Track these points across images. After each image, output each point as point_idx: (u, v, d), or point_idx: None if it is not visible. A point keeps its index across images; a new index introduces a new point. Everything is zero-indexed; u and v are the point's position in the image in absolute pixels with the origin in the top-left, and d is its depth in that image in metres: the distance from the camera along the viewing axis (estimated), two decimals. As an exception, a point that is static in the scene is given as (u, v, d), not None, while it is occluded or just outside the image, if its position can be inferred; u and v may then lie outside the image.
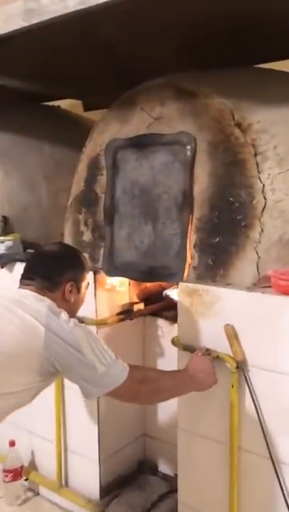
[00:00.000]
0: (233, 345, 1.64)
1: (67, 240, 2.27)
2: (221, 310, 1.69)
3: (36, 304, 1.43)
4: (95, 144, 2.13)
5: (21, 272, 1.60)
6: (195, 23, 1.83)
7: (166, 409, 2.27)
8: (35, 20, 1.67)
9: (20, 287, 1.55)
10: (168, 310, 2.32)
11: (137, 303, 2.27)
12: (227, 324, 1.66)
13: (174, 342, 1.82)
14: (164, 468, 2.38)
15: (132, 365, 1.47)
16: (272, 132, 1.69)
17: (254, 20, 1.79)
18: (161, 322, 2.27)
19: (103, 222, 2.09)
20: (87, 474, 2.22)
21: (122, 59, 2.33)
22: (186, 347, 1.76)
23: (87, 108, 3.16)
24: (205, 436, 1.79)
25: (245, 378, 1.64)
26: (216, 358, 1.67)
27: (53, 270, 1.56)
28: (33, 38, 1.84)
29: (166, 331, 2.26)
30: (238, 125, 1.70)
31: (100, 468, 2.18)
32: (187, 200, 1.82)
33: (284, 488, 1.59)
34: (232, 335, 1.65)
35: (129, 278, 2.09)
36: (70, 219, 2.25)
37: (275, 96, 1.82)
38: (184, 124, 1.82)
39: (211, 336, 1.71)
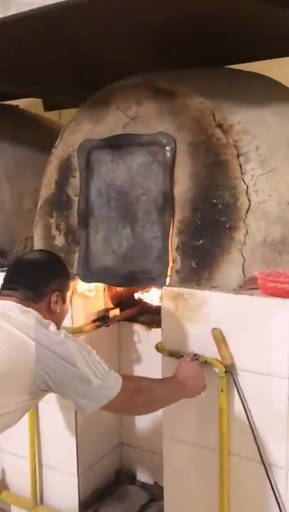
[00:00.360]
0: (221, 349, 1.62)
1: (37, 244, 2.16)
2: (207, 314, 1.66)
3: (22, 316, 1.33)
4: (66, 145, 2.04)
5: (-1, 281, 1.49)
6: (162, 22, 1.79)
7: (143, 416, 2.22)
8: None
9: (0, 298, 1.44)
10: (143, 314, 2.28)
11: (112, 308, 2.20)
12: (214, 328, 1.63)
13: (158, 348, 1.77)
14: (142, 476, 2.32)
15: (124, 375, 1.41)
16: (253, 133, 1.68)
17: (222, 22, 1.78)
18: (137, 327, 2.22)
19: (77, 226, 2.01)
20: (64, 490, 2.12)
21: (86, 57, 2.26)
22: (172, 353, 1.72)
23: (48, 108, 3.05)
24: (192, 443, 1.75)
25: (234, 382, 1.62)
26: (204, 362, 1.64)
27: (37, 280, 1.46)
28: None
29: (142, 336, 2.20)
30: (220, 126, 1.68)
31: (78, 482, 2.09)
32: (168, 202, 1.77)
33: (276, 491, 1.58)
34: (220, 339, 1.62)
35: (107, 283, 2.03)
36: (40, 223, 2.14)
37: (251, 96, 1.82)
38: (163, 125, 1.78)
39: (198, 340, 1.68)
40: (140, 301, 2.37)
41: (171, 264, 1.78)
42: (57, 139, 2.10)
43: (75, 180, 2.02)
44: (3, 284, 1.48)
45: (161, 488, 2.23)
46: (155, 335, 2.14)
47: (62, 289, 1.52)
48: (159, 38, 1.96)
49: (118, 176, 1.90)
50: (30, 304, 1.41)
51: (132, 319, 2.24)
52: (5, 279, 1.49)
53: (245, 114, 1.71)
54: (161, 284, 1.81)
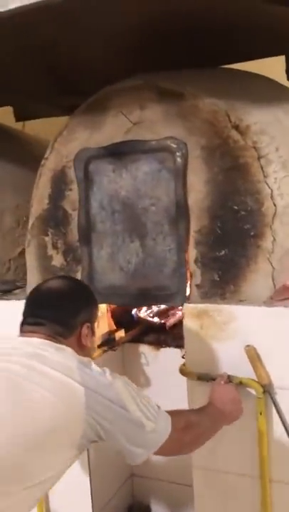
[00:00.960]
0: (257, 368, 1.49)
1: (32, 266, 1.97)
2: (237, 330, 1.52)
3: (58, 356, 1.14)
4: (60, 156, 1.86)
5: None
6: (143, 24, 1.67)
7: None
8: None
9: (23, 335, 1.24)
10: (148, 334, 2.13)
11: (116, 330, 2.03)
12: (248, 345, 1.50)
13: (183, 371, 1.62)
14: (157, 508, 2.15)
15: (170, 411, 1.25)
16: (270, 134, 1.58)
17: (207, 22, 1.69)
18: (143, 348, 2.06)
19: (78, 243, 1.83)
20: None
21: (65, 62, 2.11)
22: (201, 376, 1.57)
23: (20, 118, 2.84)
24: (227, 471, 1.61)
25: (273, 402, 1.49)
26: (239, 384, 1.50)
27: (65, 312, 1.27)
28: None
29: (150, 357, 2.05)
30: (236, 127, 1.57)
31: (95, 524, 1.89)
32: (181, 211, 1.64)
33: None
34: (255, 357, 1.49)
35: (116, 304, 1.86)
36: (32, 242, 1.95)
37: (260, 96, 1.72)
38: (171, 129, 1.65)
39: (228, 360, 1.54)
40: (142, 319, 2.22)
41: (189, 278, 1.64)
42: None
43: (72, 194, 1.84)
44: (24, 319, 1.28)
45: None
46: (164, 355, 2.01)
47: (92, 320, 1.34)
48: (141, 40, 1.85)
49: (122, 186, 1.75)
50: (60, 340, 1.22)
51: (137, 340, 2.08)
52: (26, 313, 1.29)
53: (259, 114, 1.61)
54: (179, 301, 1.66)
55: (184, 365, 1.64)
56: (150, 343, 2.05)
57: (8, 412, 1.02)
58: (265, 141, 1.56)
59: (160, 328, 2.13)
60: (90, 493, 1.87)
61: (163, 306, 2.29)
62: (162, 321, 2.18)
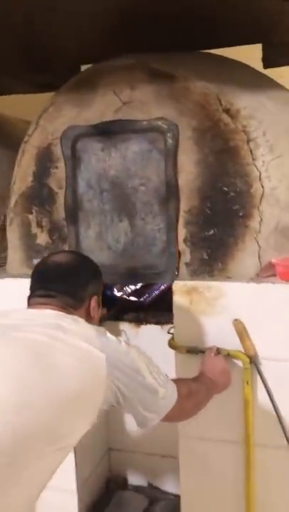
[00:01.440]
0: (244, 340, 1.58)
1: (14, 244, 1.94)
2: (225, 305, 1.61)
3: (76, 325, 1.17)
4: (45, 133, 1.84)
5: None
6: (124, 4, 1.68)
7: (129, 418, 2.11)
8: None
9: (33, 307, 1.25)
10: (127, 312, 2.17)
11: (98, 308, 2.06)
12: (235, 319, 1.59)
13: (172, 345, 1.68)
14: (134, 480, 2.23)
15: (173, 379, 1.31)
16: (258, 118, 1.65)
17: (187, 7, 1.72)
18: (124, 326, 2.10)
19: (64, 222, 1.83)
20: (61, 509, 1.95)
21: (41, 39, 2.07)
22: (190, 349, 1.64)
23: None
24: (212, 439, 1.70)
25: (259, 373, 1.59)
26: (226, 355, 1.59)
27: (75, 285, 1.30)
28: None
29: (131, 334, 2.09)
30: (226, 111, 1.62)
31: (78, 498, 1.94)
32: (172, 191, 1.68)
33: (304, 475, 1.60)
34: (242, 330, 1.58)
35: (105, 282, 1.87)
36: (15, 220, 1.92)
37: (245, 81, 1.78)
38: (162, 110, 1.68)
39: (216, 334, 1.62)
40: (120, 298, 2.26)
41: (179, 257, 1.69)
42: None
43: (58, 172, 1.83)
44: (34, 291, 1.29)
45: (156, 488, 2.19)
46: (145, 332, 2.06)
47: (99, 293, 1.38)
48: (119, 22, 1.85)
49: (111, 165, 1.76)
50: (71, 312, 1.25)
51: (117, 318, 2.12)
52: (36, 286, 1.30)
53: (247, 99, 1.68)
54: (168, 279, 1.72)
55: (172, 339, 1.70)
56: (130, 321, 2.09)
57: (38, 379, 1.04)
58: (253, 125, 1.63)
59: (139, 307, 2.18)
60: (74, 467, 1.91)
61: (139, 286, 2.35)
62: (140, 300, 2.24)
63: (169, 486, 2.14)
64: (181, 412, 1.31)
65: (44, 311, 1.22)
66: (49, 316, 1.20)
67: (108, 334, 1.21)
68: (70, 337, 1.12)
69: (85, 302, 1.31)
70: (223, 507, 1.73)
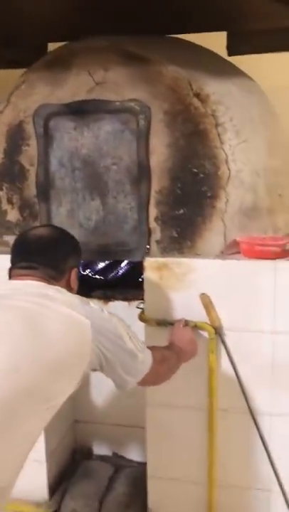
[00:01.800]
0: (210, 312, 1.69)
1: (-16, 221, 1.95)
2: (193, 281, 1.71)
3: (62, 294, 1.23)
4: (17, 110, 1.85)
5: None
6: None
7: (94, 391, 2.22)
8: None
9: (16, 278, 1.30)
10: (94, 290, 2.23)
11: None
12: (202, 293, 1.69)
13: (142, 319, 1.77)
14: (98, 450, 2.32)
15: (148, 346, 1.40)
16: (226, 104, 1.74)
17: None
18: (92, 303, 2.16)
19: (36, 199, 1.86)
20: (31, 478, 2.01)
21: (7, 14, 2.05)
22: (160, 321, 1.73)
23: None
24: (178, 405, 1.81)
25: (223, 342, 1.71)
26: (194, 327, 1.70)
27: (56, 257, 1.36)
28: None
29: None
30: (197, 95, 1.70)
31: (47, 467, 2.01)
32: (143, 171, 1.75)
33: (262, 435, 1.74)
34: (208, 303, 1.69)
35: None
36: (-15, 197, 1.92)
37: (215, 68, 1.87)
38: (135, 92, 1.73)
39: (184, 307, 1.72)
40: (86, 276, 2.32)
41: (149, 235, 1.77)
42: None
43: (30, 149, 1.85)
44: (16, 263, 1.33)
45: (121, 457, 2.29)
46: (113, 308, 2.13)
47: (78, 266, 1.44)
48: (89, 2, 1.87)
49: (83, 144, 1.80)
50: (52, 283, 1.30)
51: (86, 295, 2.16)
52: (17, 258, 1.34)
53: (216, 86, 1.76)
54: (139, 256, 1.79)
55: (142, 313, 1.79)
56: (98, 298, 2.15)
57: (29, 344, 1.11)
58: (221, 110, 1.72)
59: (105, 284, 2.24)
60: (44, 439, 1.97)
61: (104, 265, 2.41)
62: (107, 278, 2.31)
63: (133, 455, 2.25)
64: (155, 376, 1.40)
65: (27, 282, 1.27)
66: (34, 286, 1.25)
67: (91, 303, 1.29)
68: (57, 305, 1.18)
69: (65, 274, 1.37)
70: (187, 471, 1.85)
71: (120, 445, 2.29)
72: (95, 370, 1.26)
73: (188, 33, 2.24)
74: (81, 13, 1.91)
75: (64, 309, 1.18)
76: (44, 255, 1.34)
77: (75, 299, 1.26)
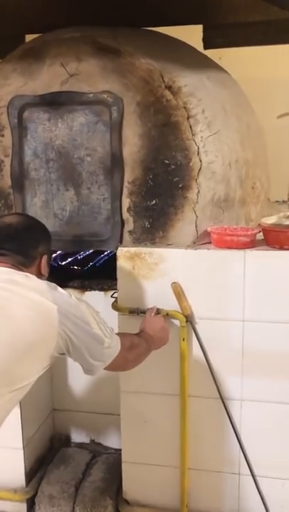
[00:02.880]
0: (182, 301, 1.73)
1: None
2: (165, 270, 1.74)
3: (30, 280, 1.26)
4: (-9, 100, 1.86)
5: None
6: None
7: (73, 380, 2.25)
8: None
9: None
10: (71, 280, 2.25)
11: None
12: (174, 282, 1.73)
13: (115, 307, 1.80)
14: (76, 437, 2.36)
15: (117, 333, 1.44)
16: (198, 96, 1.77)
17: None
18: (69, 292, 2.18)
19: (11, 190, 1.88)
20: (9, 465, 2.05)
21: None
22: (132, 310, 1.77)
23: None
24: (151, 392, 1.85)
25: (194, 330, 1.75)
26: (165, 315, 1.73)
27: (26, 243, 1.38)
28: None
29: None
30: (169, 87, 1.73)
31: (24, 454, 2.04)
32: (116, 162, 1.77)
33: (232, 421, 1.79)
34: (179, 292, 1.73)
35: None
36: None
37: (186, 60, 1.89)
38: (108, 84, 1.75)
39: (157, 296, 1.76)
40: (64, 267, 2.34)
41: (122, 225, 1.80)
42: None
43: (5, 140, 1.87)
44: None
45: (99, 444, 2.33)
46: (89, 298, 2.16)
47: (48, 253, 1.47)
48: None
49: (57, 135, 1.82)
50: (22, 269, 1.33)
51: (63, 285, 2.19)
52: None
53: (188, 78, 1.79)
54: (112, 246, 1.82)
55: (116, 302, 1.82)
56: (75, 288, 2.18)
57: None
58: (193, 102, 1.75)
59: (83, 274, 2.27)
60: (20, 426, 2.00)
61: (83, 255, 2.44)
62: (84, 268, 2.34)
63: (110, 442, 2.29)
64: (124, 361, 1.44)
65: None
66: (2, 272, 1.28)
67: (59, 288, 1.32)
68: (24, 290, 1.21)
69: (36, 261, 1.40)
70: (161, 455, 1.90)
71: (98, 432, 2.33)
72: (62, 354, 1.29)
73: (165, 26, 2.26)
74: (57, 4, 1.93)
75: (31, 294, 1.21)
76: (13, 242, 1.36)
77: (43, 284, 1.29)
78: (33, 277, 1.31)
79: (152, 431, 1.89)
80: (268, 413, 1.76)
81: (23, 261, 1.36)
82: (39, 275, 1.39)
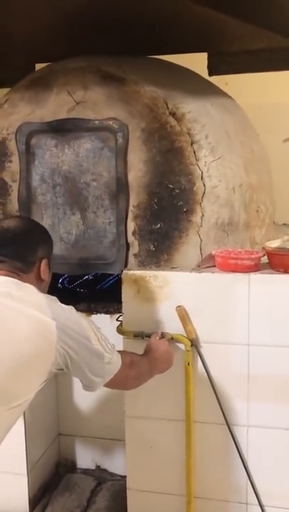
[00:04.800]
0: (186, 325, 1.72)
1: None
2: (169, 293, 1.74)
3: (26, 293, 1.25)
4: (0, 127, 1.91)
5: None
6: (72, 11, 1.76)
7: (79, 404, 2.23)
8: None
9: None
10: (79, 303, 2.26)
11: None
12: (179, 306, 1.72)
13: (120, 331, 1.80)
14: (82, 463, 2.33)
15: (119, 350, 1.44)
16: (201, 122, 1.80)
17: (139, 16, 1.83)
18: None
19: (18, 213, 1.91)
20: (11, 491, 2.03)
21: None
22: (137, 334, 1.76)
23: None
24: (156, 417, 1.83)
25: (199, 354, 1.74)
26: (170, 339, 1.73)
27: (24, 248, 1.36)
28: None
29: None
30: (173, 114, 1.76)
31: (28, 480, 2.02)
32: (122, 187, 1.80)
33: (239, 447, 1.76)
34: (184, 315, 1.72)
35: (57, 272, 1.96)
36: None
37: (191, 87, 1.93)
38: (113, 111, 1.79)
39: (162, 319, 1.76)
40: (72, 290, 2.36)
41: (128, 248, 1.82)
42: None
43: (13, 165, 1.91)
44: None
45: (104, 470, 2.30)
46: (95, 321, 2.16)
47: (49, 256, 1.45)
48: (75, 24, 1.94)
49: (64, 161, 1.86)
50: (20, 275, 1.32)
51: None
52: None
53: (192, 105, 1.83)
54: (118, 269, 1.83)
55: (120, 325, 1.82)
56: (82, 311, 2.19)
57: None
58: (197, 128, 1.78)
59: (88, 297, 2.28)
60: (25, 451, 1.98)
61: (91, 277, 2.45)
62: (92, 290, 2.35)
63: (116, 468, 2.25)
64: (124, 379, 1.43)
65: None
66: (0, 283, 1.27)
67: (59, 302, 1.31)
68: (22, 305, 1.20)
69: (35, 265, 1.37)
70: (166, 483, 1.86)
71: (103, 458, 2.30)
72: (61, 369, 1.28)
73: (169, 54, 2.33)
74: (65, 34, 1.99)
75: (29, 310, 1.20)
76: (11, 247, 1.34)
77: (42, 299, 1.27)
78: (32, 289, 1.29)
79: (157, 457, 1.86)
80: (275, 440, 1.73)
81: (22, 267, 1.34)
82: (39, 281, 1.38)
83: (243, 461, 1.75)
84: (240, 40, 2.20)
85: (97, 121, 1.80)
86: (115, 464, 2.26)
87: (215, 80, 2.28)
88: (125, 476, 2.01)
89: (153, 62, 2.04)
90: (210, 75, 2.33)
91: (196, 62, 2.39)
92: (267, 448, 1.74)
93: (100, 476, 2.27)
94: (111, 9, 1.74)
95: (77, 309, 2.13)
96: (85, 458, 2.32)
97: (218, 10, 1.73)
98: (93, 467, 2.31)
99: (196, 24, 1.97)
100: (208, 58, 2.33)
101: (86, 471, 2.30)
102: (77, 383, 1.33)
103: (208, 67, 2.33)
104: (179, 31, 2.08)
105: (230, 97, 2.15)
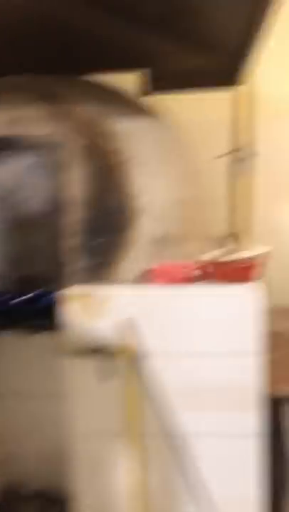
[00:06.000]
0: (129, 338, 1.75)
1: None
2: (111, 308, 1.76)
3: None
4: None
5: None
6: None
7: (25, 429, 2.19)
8: None
9: None
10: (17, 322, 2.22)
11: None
12: (121, 320, 1.75)
13: (62, 349, 1.79)
14: (28, 487, 2.27)
15: None
16: (135, 140, 1.87)
17: (70, 35, 1.88)
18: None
19: None
20: None
21: None
22: (78, 351, 1.77)
23: None
24: (98, 433, 1.83)
25: (141, 367, 1.77)
26: (112, 353, 1.74)
27: None
28: None
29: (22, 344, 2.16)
30: (107, 132, 1.81)
31: None
32: (60, 204, 1.81)
33: (182, 458, 1.80)
34: (126, 329, 1.75)
35: (-6, 291, 1.93)
36: None
37: (124, 107, 1.99)
38: (50, 128, 1.81)
39: (103, 334, 1.77)
40: (10, 308, 2.31)
41: (68, 265, 1.83)
42: None
43: None
44: None
45: (47, 493, 2.25)
46: (36, 340, 2.14)
47: None
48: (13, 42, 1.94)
49: (1, 179, 1.84)
50: None
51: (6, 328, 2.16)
52: None
53: (125, 123, 1.88)
54: (60, 286, 1.83)
55: (62, 343, 1.82)
56: (21, 330, 2.15)
57: None
58: (130, 146, 1.84)
59: (27, 316, 2.24)
60: None
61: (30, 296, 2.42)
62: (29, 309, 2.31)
63: (61, 491, 2.21)
64: None
65: None
66: None
67: None
68: None
69: None
70: (114, 501, 1.86)
71: (48, 481, 2.25)
72: None
73: (104, 72, 2.38)
74: (6, 53, 1.98)
75: None
76: None
77: None
78: None
79: (103, 475, 1.86)
80: (219, 448, 1.78)
81: None
82: None
83: (191, 474, 1.79)
84: (173, 60, 2.30)
85: (33, 138, 1.81)
86: (60, 487, 2.22)
87: (148, 98, 2.36)
88: (72, 499, 1.98)
89: (87, 82, 2.09)
90: (143, 94, 2.42)
91: (129, 81, 2.47)
92: (214, 456, 1.79)
93: (48, 497, 2.23)
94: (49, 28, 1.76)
95: (14, 330, 2.14)
96: (29, 482, 2.26)
97: (152, 32, 1.82)
98: (39, 490, 2.26)
99: (130, 44, 2.04)
100: (141, 77, 2.41)
101: (28, 497, 2.25)
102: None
103: (141, 86, 2.42)
104: (114, 51, 2.14)
105: (163, 115, 2.23)
